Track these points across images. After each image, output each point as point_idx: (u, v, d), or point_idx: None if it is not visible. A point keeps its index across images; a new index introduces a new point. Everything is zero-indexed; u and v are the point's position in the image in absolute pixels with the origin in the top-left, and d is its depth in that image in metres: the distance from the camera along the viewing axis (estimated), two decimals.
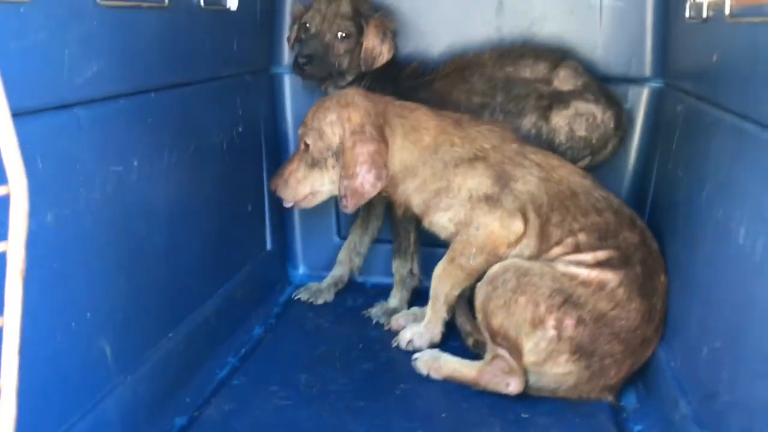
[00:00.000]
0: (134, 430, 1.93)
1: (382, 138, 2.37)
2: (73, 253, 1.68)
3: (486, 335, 2.30)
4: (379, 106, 2.43)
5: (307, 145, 2.44)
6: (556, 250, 2.30)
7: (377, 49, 2.80)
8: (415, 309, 2.81)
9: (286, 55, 3.13)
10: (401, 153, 2.41)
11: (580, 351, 2.21)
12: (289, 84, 3.15)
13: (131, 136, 1.95)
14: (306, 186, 2.49)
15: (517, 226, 2.32)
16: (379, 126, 2.38)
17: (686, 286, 2.15)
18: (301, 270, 3.28)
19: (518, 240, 2.34)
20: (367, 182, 2.36)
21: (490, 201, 2.34)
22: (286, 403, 2.21)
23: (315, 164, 2.45)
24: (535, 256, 2.32)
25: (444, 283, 2.48)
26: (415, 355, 2.47)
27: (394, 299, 2.90)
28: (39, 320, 1.57)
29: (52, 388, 1.63)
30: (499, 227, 2.33)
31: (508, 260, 2.31)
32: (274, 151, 3.10)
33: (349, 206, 2.41)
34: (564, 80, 2.73)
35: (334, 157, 2.42)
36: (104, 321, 1.83)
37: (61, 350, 1.65)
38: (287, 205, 2.58)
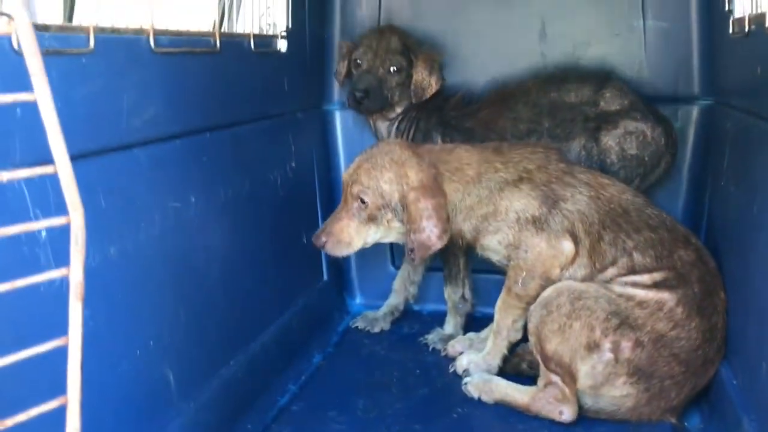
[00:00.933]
0: None
1: (440, 190, 2.42)
2: (135, 284, 1.78)
3: (539, 359, 2.29)
4: (426, 158, 2.46)
5: (364, 203, 2.44)
6: (611, 271, 2.29)
7: (426, 81, 2.88)
8: (471, 334, 2.82)
9: (337, 93, 3.24)
10: (450, 194, 2.44)
11: (639, 373, 2.18)
12: (340, 120, 3.26)
13: (188, 174, 2.06)
14: (360, 240, 2.50)
15: (567, 246, 2.32)
16: (434, 177, 2.42)
17: (744, 301, 2.11)
18: (358, 299, 3.33)
19: (570, 261, 2.34)
20: (434, 235, 2.39)
21: (538, 223, 2.35)
22: (343, 428, 2.25)
23: (371, 219, 2.46)
24: (589, 277, 2.31)
25: (505, 316, 2.49)
26: (466, 379, 2.48)
27: (449, 325, 2.92)
28: (105, 348, 1.67)
29: (119, 412, 1.72)
30: (546, 248, 2.33)
31: (561, 283, 2.30)
32: (327, 185, 3.19)
33: (417, 258, 2.45)
34: (610, 100, 2.74)
35: (392, 213, 2.45)
36: (167, 349, 1.92)
37: (127, 377, 1.75)
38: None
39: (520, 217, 2.37)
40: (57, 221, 0.96)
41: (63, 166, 0.94)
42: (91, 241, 1.61)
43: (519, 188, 2.39)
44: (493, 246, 2.43)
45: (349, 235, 2.48)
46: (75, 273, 0.97)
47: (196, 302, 2.07)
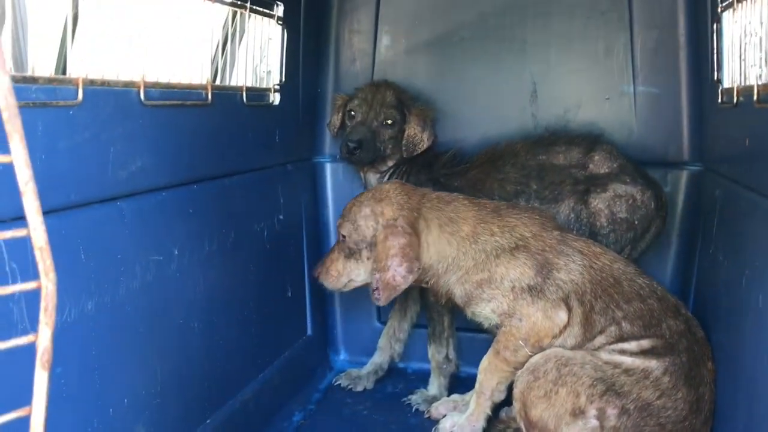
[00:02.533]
0: None
1: (413, 231, 2.39)
2: (111, 339, 1.73)
3: (521, 425, 2.24)
4: (414, 200, 2.46)
5: (344, 237, 2.49)
6: (600, 339, 2.26)
7: (419, 136, 2.89)
8: (455, 396, 2.77)
9: (328, 145, 3.24)
10: (438, 245, 2.41)
11: None
12: (330, 172, 3.25)
13: (172, 226, 2.03)
14: (344, 276, 2.53)
15: (561, 317, 2.29)
16: (411, 220, 2.40)
17: (732, 375, 2.08)
18: (342, 355, 3.28)
19: (562, 331, 2.31)
20: (398, 275, 2.36)
21: (533, 291, 2.32)
22: None
23: (351, 255, 2.49)
24: (579, 346, 2.28)
25: (490, 377, 2.44)
26: None
27: (433, 386, 2.87)
28: (77, 406, 1.62)
29: None
30: (542, 318, 2.30)
31: (549, 350, 2.27)
32: (315, 237, 3.16)
33: (382, 299, 2.40)
34: (600, 163, 2.74)
35: (368, 249, 2.45)
36: (142, 407, 1.86)
37: None
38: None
39: (515, 285, 2.33)
40: (27, 286, 0.93)
41: (37, 231, 0.91)
42: (68, 295, 1.58)
43: (515, 257, 2.36)
44: (486, 314, 2.39)
45: (336, 269, 2.54)
46: (42, 340, 0.94)
47: (175, 358, 2.02)
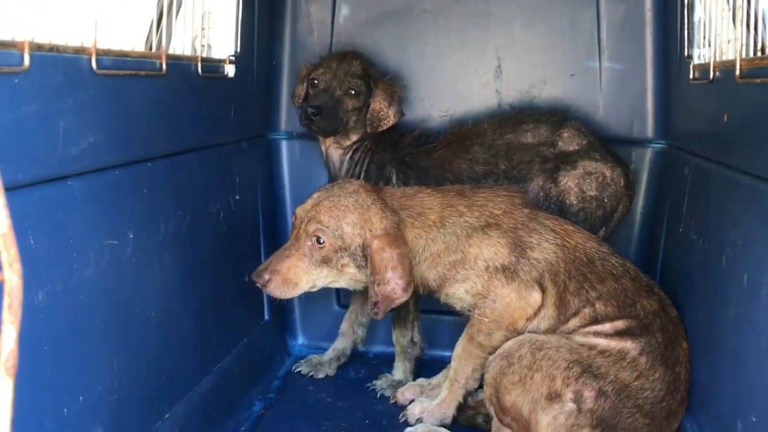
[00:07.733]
0: None
1: (404, 239, 2.26)
2: (64, 333, 1.57)
3: (492, 411, 2.18)
4: (389, 202, 2.31)
5: (320, 243, 2.24)
6: (574, 322, 2.21)
7: (384, 111, 2.77)
8: (421, 380, 2.68)
9: (284, 121, 3.10)
10: (412, 242, 2.29)
11: (602, 424, 2.08)
12: (286, 150, 3.11)
13: (127, 207, 1.87)
14: (308, 282, 2.29)
15: (535, 298, 2.23)
16: (397, 225, 2.27)
17: (712, 354, 2.05)
18: (300, 340, 3.15)
19: (536, 312, 2.25)
20: (399, 287, 2.22)
21: (507, 272, 2.24)
22: None
23: (325, 261, 2.26)
24: (553, 328, 2.22)
25: (465, 364, 2.37)
26: (408, 429, 2.36)
27: (398, 371, 2.78)
28: (28, 408, 1.46)
29: None
30: (516, 299, 2.23)
31: (523, 335, 2.21)
32: (272, 218, 3.02)
33: (380, 312, 2.26)
34: (569, 140, 2.68)
35: (349, 257, 2.26)
36: (98, 404, 1.71)
37: None
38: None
39: (489, 265, 2.26)
40: None
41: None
42: None
43: (487, 235, 2.28)
44: (460, 294, 2.31)
45: (297, 275, 2.26)
46: (7, 342, 0.80)
47: (132, 351, 1.87)
